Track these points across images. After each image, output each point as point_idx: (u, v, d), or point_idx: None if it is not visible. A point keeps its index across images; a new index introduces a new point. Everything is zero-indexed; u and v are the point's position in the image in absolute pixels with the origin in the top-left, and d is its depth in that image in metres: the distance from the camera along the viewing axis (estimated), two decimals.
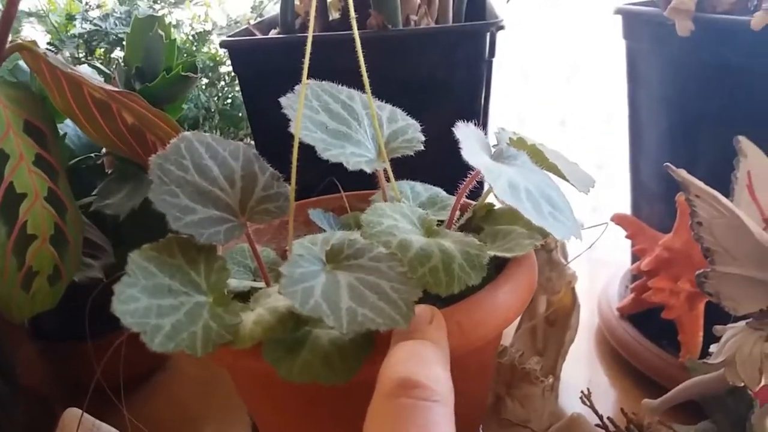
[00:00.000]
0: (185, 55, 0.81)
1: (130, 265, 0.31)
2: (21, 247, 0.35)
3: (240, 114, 0.85)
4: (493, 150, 0.38)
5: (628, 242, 0.64)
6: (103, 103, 0.42)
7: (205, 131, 0.82)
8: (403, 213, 0.36)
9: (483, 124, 0.60)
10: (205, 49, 0.86)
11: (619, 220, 0.63)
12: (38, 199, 0.36)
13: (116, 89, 0.40)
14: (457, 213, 0.41)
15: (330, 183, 0.43)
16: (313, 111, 0.39)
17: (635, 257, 0.64)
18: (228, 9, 0.93)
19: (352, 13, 0.36)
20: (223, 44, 0.58)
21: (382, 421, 0.25)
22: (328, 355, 0.30)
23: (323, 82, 0.41)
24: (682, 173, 0.41)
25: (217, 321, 0.31)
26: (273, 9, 0.91)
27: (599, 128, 1.06)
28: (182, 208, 0.33)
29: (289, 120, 0.35)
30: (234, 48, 0.59)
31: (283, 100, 0.37)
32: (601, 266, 0.78)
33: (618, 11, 0.60)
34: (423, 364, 0.27)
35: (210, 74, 0.85)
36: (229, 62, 0.86)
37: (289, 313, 0.29)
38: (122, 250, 0.33)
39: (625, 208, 0.70)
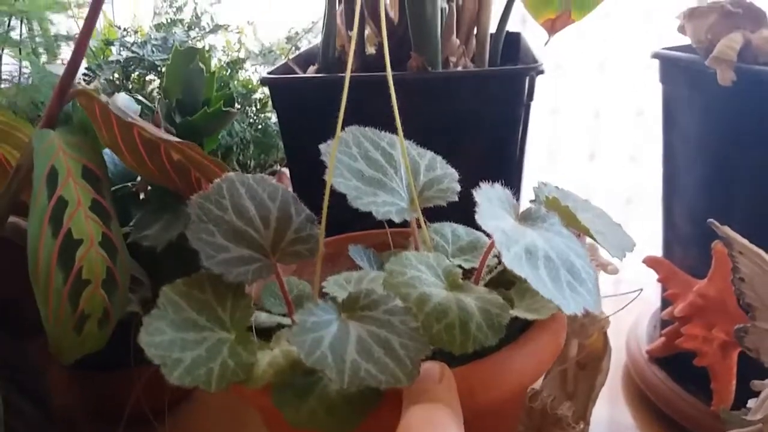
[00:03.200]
0: (221, 84, 0.82)
1: (162, 298, 0.33)
2: (75, 292, 0.36)
3: (271, 142, 0.86)
4: (523, 209, 0.37)
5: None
6: (151, 142, 0.43)
7: (239, 159, 0.83)
8: (428, 264, 0.36)
9: (519, 166, 0.60)
10: (238, 76, 0.87)
11: (651, 263, 0.62)
12: (93, 245, 0.37)
13: (178, 140, 0.40)
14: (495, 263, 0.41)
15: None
16: (351, 158, 0.39)
17: (665, 301, 0.63)
18: (262, 37, 0.94)
19: (387, 61, 0.36)
20: (264, 81, 0.59)
21: None
22: (334, 404, 0.30)
23: (366, 128, 0.41)
24: (726, 230, 0.41)
25: (235, 359, 0.32)
26: (306, 38, 0.92)
27: (628, 163, 1.06)
28: (216, 247, 0.34)
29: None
30: (275, 85, 0.60)
31: (322, 147, 0.38)
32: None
33: (656, 56, 0.60)
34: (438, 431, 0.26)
35: (242, 101, 0.86)
36: (261, 89, 0.87)
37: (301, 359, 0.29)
38: (158, 282, 0.34)
39: (656, 243, 0.69)
